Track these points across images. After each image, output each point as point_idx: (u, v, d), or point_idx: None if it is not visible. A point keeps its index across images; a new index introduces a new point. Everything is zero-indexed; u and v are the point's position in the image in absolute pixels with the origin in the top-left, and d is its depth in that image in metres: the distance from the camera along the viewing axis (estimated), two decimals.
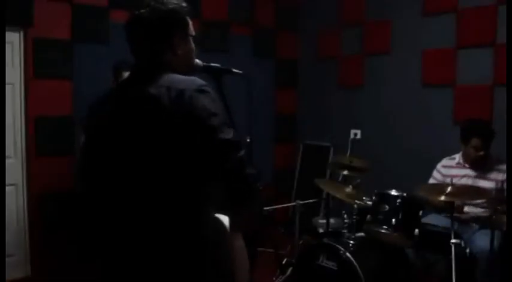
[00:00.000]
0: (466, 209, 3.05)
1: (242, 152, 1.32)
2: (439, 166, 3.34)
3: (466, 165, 3.20)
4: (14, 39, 3.41)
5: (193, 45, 1.53)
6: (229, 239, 1.52)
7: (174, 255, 1.34)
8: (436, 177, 3.32)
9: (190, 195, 1.35)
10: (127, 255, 1.38)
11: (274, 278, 3.42)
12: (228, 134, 1.31)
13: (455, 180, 2.92)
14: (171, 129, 1.31)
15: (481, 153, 3.05)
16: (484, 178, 3.09)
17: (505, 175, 2.98)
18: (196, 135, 1.30)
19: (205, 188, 1.38)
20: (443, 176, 3.26)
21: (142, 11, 1.42)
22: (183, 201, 1.35)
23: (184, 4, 1.50)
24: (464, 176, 3.16)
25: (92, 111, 1.51)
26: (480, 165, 3.12)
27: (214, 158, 1.31)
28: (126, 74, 2.09)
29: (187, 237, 1.35)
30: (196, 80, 1.38)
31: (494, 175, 3.07)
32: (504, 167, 3.03)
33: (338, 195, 3.14)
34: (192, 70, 1.56)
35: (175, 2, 1.46)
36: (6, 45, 3.31)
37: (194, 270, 1.36)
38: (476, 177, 3.13)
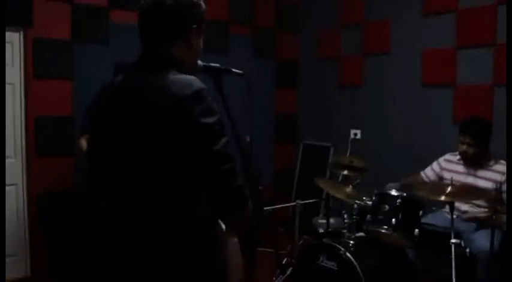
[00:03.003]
0: (466, 207, 3.06)
1: (231, 164, 1.28)
2: (441, 159, 3.36)
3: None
4: (14, 39, 3.41)
5: (202, 45, 1.52)
6: (225, 239, 1.50)
7: (165, 254, 1.33)
8: (434, 168, 3.35)
9: (182, 196, 1.33)
10: (121, 256, 1.38)
11: (274, 278, 3.42)
12: (218, 145, 1.27)
13: (452, 176, 2.92)
14: (161, 133, 1.28)
15: (466, 148, 3.06)
16: (482, 177, 3.08)
17: (504, 176, 2.97)
18: (186, 142, 1.27)
19: (198, 190, 1.34)
20: (442, 168, 3.29)
21: None
22: (174, 202, 1.32)
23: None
24: (462, 173, 3.16)
25: (96, 108, 1.49)
26: (475, 163, 3.12)
27: (202, 168, 1.28)
28: None
29: (178, 237, 1.34)
30: (194, 84, 1.32)
31: (493, 175, 3.06)
32: (503, 167, 3.03)
33: (338, 195, 3.14)
34: (194, 70, 1.55)
35: None
36: (6, 45, 3.32)
37: (186, 269, 1.35)
38: (474, 175, 3.12)
